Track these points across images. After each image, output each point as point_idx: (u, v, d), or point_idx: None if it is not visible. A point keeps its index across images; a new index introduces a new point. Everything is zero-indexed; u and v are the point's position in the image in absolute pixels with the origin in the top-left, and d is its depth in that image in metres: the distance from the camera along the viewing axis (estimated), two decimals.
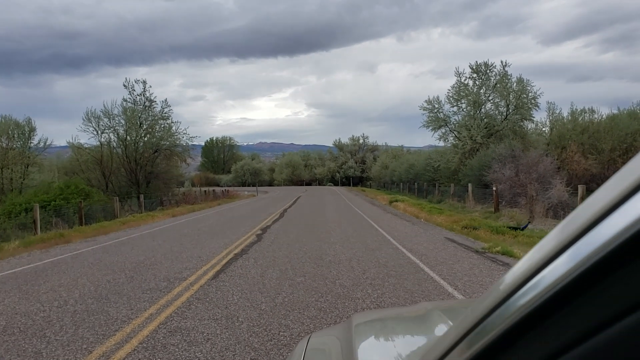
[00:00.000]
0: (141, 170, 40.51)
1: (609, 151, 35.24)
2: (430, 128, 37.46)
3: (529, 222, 14.73)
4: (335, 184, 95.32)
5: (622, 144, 35.98)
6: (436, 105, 37.24)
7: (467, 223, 15.99)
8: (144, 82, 40.89)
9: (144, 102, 40.72)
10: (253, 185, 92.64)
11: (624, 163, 30.15)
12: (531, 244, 11.47)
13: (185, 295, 7.37)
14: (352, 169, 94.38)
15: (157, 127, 41.14)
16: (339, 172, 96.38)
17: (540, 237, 12.81)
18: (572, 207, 19.02)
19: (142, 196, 29.54)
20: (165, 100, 41.98)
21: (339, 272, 8.81)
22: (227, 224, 19.47)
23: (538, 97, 34.74)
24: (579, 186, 16.03)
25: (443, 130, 37.35)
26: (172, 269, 9.59)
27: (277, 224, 18.62)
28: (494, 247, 10.76)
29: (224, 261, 10.26)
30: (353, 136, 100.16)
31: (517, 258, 9.87)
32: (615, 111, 39.70)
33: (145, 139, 40.66)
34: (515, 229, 14.03)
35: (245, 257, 10.78)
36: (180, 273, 9.13)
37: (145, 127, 40.55)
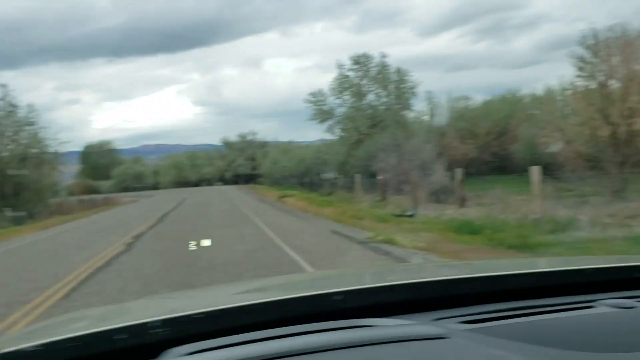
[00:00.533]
0: (7, 182, 36.90)
1: (485, 135, 36.95)
2: (317, 121, 37.32)
3: (416, 210, 14.68)
4: (226, 183, 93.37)
5: (495, 128, 37.89)
6: (320, 98, 37.13)
7: (354, 213, 15.71)
8: (4, 86, 37.19)
9: (6, 108, 37.05)
10: (136, 190, 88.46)
11: (499, 146, 31.47)
12: (413, 230, 11.29)
13: (22, 323, 6.21)
14: (242, 166, 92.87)
15: (23, 134, 37.63)
16: (228, 171, 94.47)
17: (425, 222, 12.80)
18: (453, 191, 19.45)
19: (6, 209, 26.76)
20: (31, 104, 38.50)
21: (212, 278, 7.98)
22: (98, 233, 17.89)
23: (417, 86, 35.65)
24: (457, 169, 16.34)
25: (330, 123, 37.35)
26: (18, 290, 8.27)
27: (153, 230, 17.33)
28: (378, 236, 10.43)
29: (82, 276, 9.05)
30: (242, 133, 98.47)
31: (399, 245, 9.56)
32: (488, 97, 41.75)
33: (10, 147, 37.05)
34: (404, 216, 13.85)
35: (107, 269, 9.62)
36: (25, 295, 7.85)
37: (9, 134, 36.93)
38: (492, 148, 37.07)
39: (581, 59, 18.11)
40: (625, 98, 16.22)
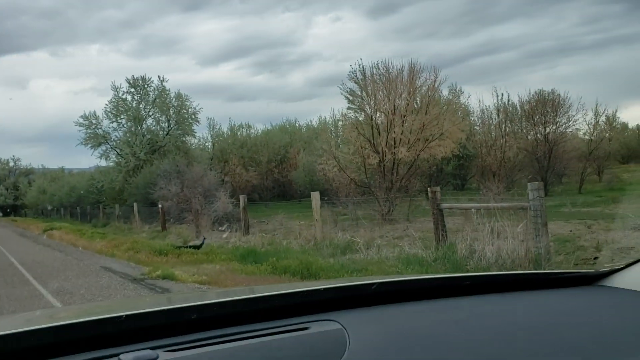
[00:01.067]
0: None
1: (266, 163, 37.82)
2: (89, 146, 34.42)
3: (204, 239, 13.94)
4: None
5: (276, 156, 39.07)
6: (94, 121, 34.36)
7: (130, 246, 14.47)
8: None
9: None
10: None
11: (280, 173, 32.33)
12: (195, 262, 10.66)
13: None
14: (2, 196, 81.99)
15: None
16: None
17: (208, 253, 12.17)
18: (237, 218, 19.23)
19: None
20: None
21: None
22: None
23: (198, 112, 35.11)
24: (241, 196, 16.17)
25: (104, 148, 34.74)
26: None
27: None
28: (154, 272, 9.56)
29: None
30: (2, 159, 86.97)
31: (179, 281, 8.86)
32: (269, 127, 42.99)
33: None
34: (191, 247, 12.92)
35: None
36: None
37: None
38: (274, 175, 38.09)
39: (351, 93, 19.44)
40: (390, 129, 17.73)
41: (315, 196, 13.20)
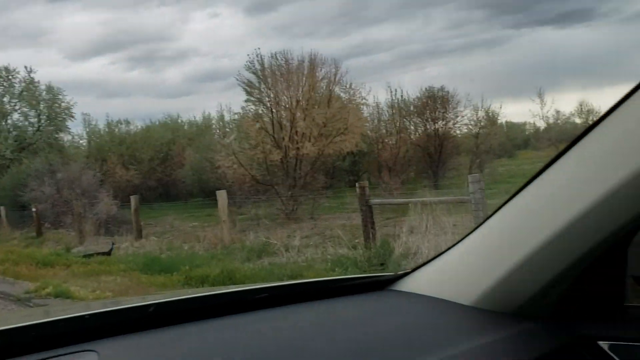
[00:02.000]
0: None
1: (148, 161, 35.49)
2: None
3: (113, 244, 12.21)
4: None
5: (159, 154, 36.81)
6: None
7: (4, 257, 12.39)
8: None
9: None
10: None
11: (163, 172, 30.35)
12: (91, 274, 9.13)
13: None
14: None
15: None
16: None
17: (101, 262, 10.58)
18: (125, 220, 17.51)
19: None
20: None
21: None
22: None
23: (72, 107, 32.08)
24: (132, 197, 14.62)
25: None
26: None
27: None
28: (43, 289, 8.00)
29: None
30: None
31: (77, 298, 7.44)
32: (149, 123, 40.49)
33: None
34: (101, 254, 11.16)
35: None
36: None
37: None
38: (157, 174, 35.83)
39: (249, 84, 18.43)
40: (294, 123, 16.98)
41: (222, 195, 12.08)
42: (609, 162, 0.84)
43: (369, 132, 24.33)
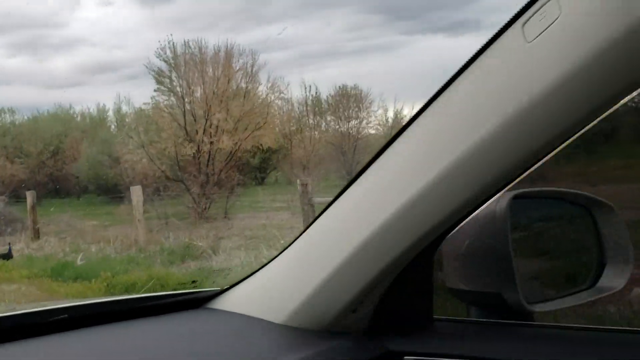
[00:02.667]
0: None
1: (37, 154, 32.55)
2: None
3: (10, 245, 10.48)
4: None
5: (49, 147, 33.90)
6: None
7: None
8: None
9: None
10: None
11: (54, 166, 28.02)
12: None
13: None
14: None
15: None
16: None
17: (1, 268, 8.97)
18: (15, 218, 15.60)
19: None
20: None
21: None
22: None
23: None
24: (28, 192, 12.97)
25: None
26: None
27: None
28: None
29: None
30: None
31: None
32: (37, 114, 37.26)
33: None
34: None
35: None
36: None
37: None
38: (48, 168, 32.89)
39: (159, 73, 17.10)
40: (209, 115, 15.91)
41: (137, 191, 10.85)
42: (407, 172, 0.84)
43: (286, 128, 23.65)
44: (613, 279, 1.27)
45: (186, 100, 16.40)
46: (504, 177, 0.79)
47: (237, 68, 17.02)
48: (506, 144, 0.73)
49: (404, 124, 0.86)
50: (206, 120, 15.89)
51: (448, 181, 0.80)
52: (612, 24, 0.60)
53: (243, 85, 17.44)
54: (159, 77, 16.90)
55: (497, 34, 0.73)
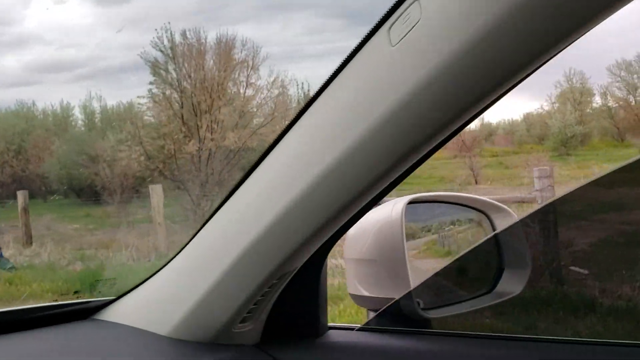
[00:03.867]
0: None
1: (1, 154, 30.64)
2: None
3: (0, 250, 9.18)
4: None
5: (12, 145, 31.92)
6: None
7: None
8: None
9: None
10: None
11: (19, 166, 26.26)
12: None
13: None
14: None
15: None
16: None
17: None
18: None
19: None
20: None
21: None
22: None
23: None
24: (19, 192, 11.68)
25: None
26: None
27: None
28: None
29: None
30: None
31: None
32: None
33: None
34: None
35: None
36: None
37: None
38: (12, 168, 30.90)
39: (156, 64, 15.84)
40: (212, 110, 14.80)
41: (157, 190, 9.68)
42: (284, 179, 0.83)
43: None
44: (511, 284, 1.27)
45: (191, 93, 15.21)
46: (379, 180, 0.76)
47: (241, 59, 15.95)
48: (376, 148, 0.71)
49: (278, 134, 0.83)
50: (210, 114, 14.77)
51: (322, 188, 0.77)
52: (472, 26, 0.59)
53: (243, 78, 16.38)
54: (155, 68, 15.66)
55: (365, 38, 0.71)
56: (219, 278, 0.95)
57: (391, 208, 1.14)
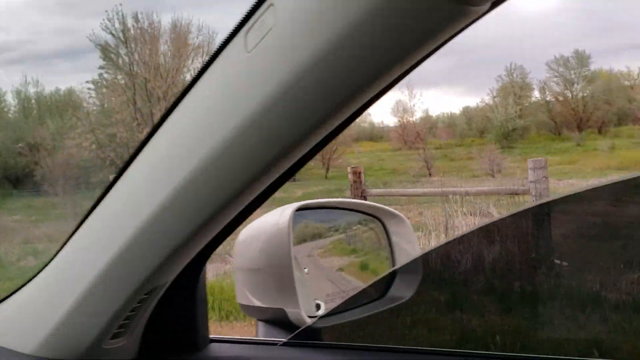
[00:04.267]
0: None
1: None
2: None
3: None
4: None
5: None
6: None
7: None
8: None
9: None
10: None
11: None
12: None
13: None
14: None
15: None
16: None
17: None
18: None
19: None
20: None
21: None
22: None
23: None
24: None
25: None
26: None
27: None
28: None
29: None
30: None
31: None
32: None
33: None
34: None
35: None
36: None
37: None
38: None
39: (106, 49, 15.11)
40: (167, 96, 14.28)
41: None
42: (145, 189, 0.81)
43: None
44: (402, 289, 1.29)
45: (146, 79, 14.59)
46: (246, 188, 0.75)
47: (197, 45, 15.46)
48: (236, 156, 0.72)
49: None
50: (165, 100, 14.23)
51: (183, 198, 0.76)
52: (325, 32, 0.60)
53: (199, 64, 15.87)
54: (106, 52, 14.93)
55: (223, 42, 0.70)
56: (83, 293, 0.90)
57: (279, 215, 1.12)
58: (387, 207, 1.37)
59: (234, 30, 0.69)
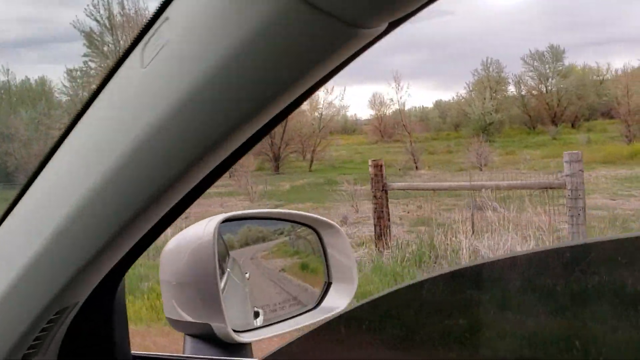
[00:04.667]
0: None
1: None
2: None
3: None
4: None
5: None
6: None
7: None
8: None
9: None
10: None
11: None
12: None
13: None
14: None
15: None
16: None
17: None
18: None
19: None
20: None
21: None
22: None
23: None
24: None
25: None
26: None
27: None
28: None
29: None
30: None
31: None
32: None
33: None
34: None
35: None
36: None
37: None
38: None
39: (90, 35, 14.49)
40: None
41: None
42: (48, 204, 0.78)
43: None
44: (337, 299, 1.27)
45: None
46: (146, 210, 0.72)
47: None
48: (133, 176, 0.69)
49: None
50: None
51: (83, 218, 0.73)
52: (219, 48, 0.59)
53: None
54: (90, 38, 14.31)
55: (121, 57, 0.67)
56: None
57: (203, 228, 1.09)
58: (322, 217, 1.34)
59: (130, 45, 0.65)
